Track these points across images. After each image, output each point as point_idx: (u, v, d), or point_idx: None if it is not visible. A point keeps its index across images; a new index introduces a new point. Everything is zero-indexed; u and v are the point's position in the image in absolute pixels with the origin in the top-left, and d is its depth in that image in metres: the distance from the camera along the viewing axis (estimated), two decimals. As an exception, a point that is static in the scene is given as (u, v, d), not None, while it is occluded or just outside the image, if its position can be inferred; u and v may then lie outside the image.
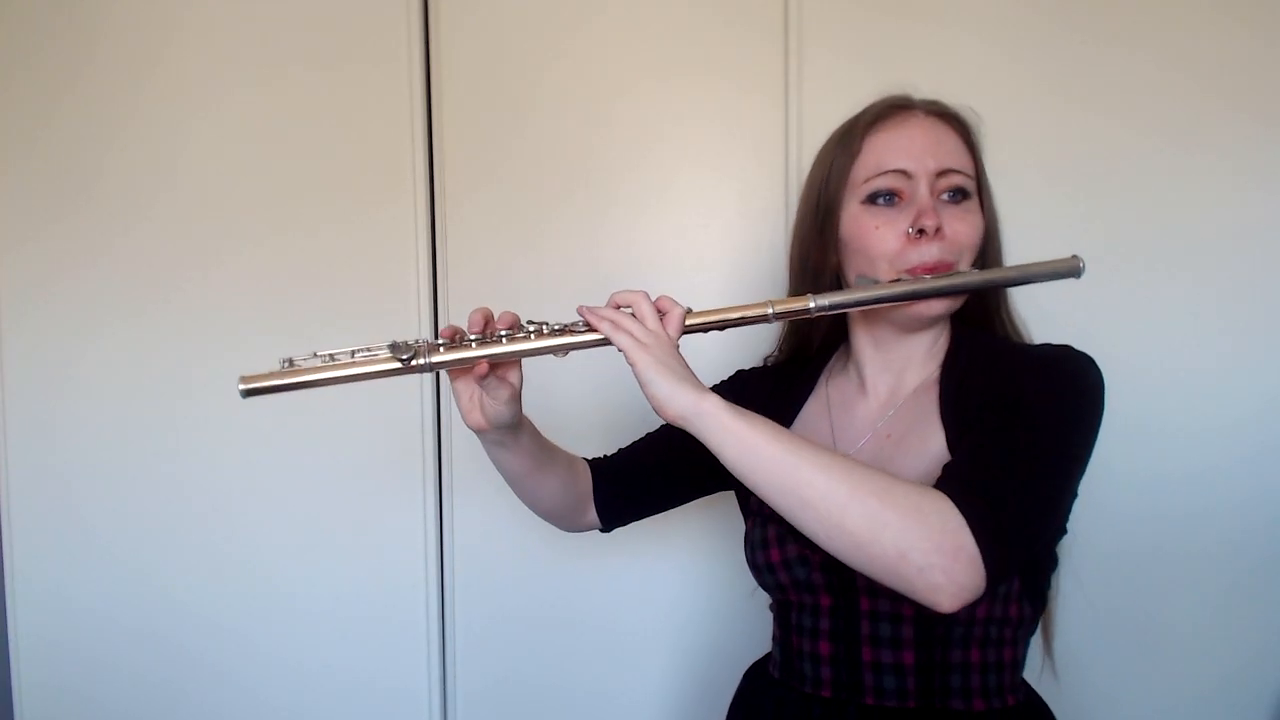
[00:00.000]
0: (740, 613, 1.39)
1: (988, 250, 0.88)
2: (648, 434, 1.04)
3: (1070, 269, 0.82)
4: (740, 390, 1.00)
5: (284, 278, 1.43)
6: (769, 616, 0.97)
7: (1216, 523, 1.28)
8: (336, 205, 1.42)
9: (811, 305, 0.82)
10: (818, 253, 0.90)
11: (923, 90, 0.89)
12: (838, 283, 0.90)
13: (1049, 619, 0.90)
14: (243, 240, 1.44)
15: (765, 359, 1.05)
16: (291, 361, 0.77)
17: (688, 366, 0.78)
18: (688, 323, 0.81)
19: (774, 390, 0.98)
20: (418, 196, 1.41)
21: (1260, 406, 1.26)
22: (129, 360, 1.47)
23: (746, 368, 1.06)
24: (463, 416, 0.84)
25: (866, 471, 0.69)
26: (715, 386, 1.05)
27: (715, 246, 1.36)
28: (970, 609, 0.74)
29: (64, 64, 1.45)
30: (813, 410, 0.96)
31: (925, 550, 0.65)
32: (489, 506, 1.43)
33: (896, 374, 0.90)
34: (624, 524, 1.03)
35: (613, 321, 0.78)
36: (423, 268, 1.42)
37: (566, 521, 1.01)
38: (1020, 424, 0.74)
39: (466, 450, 1.44)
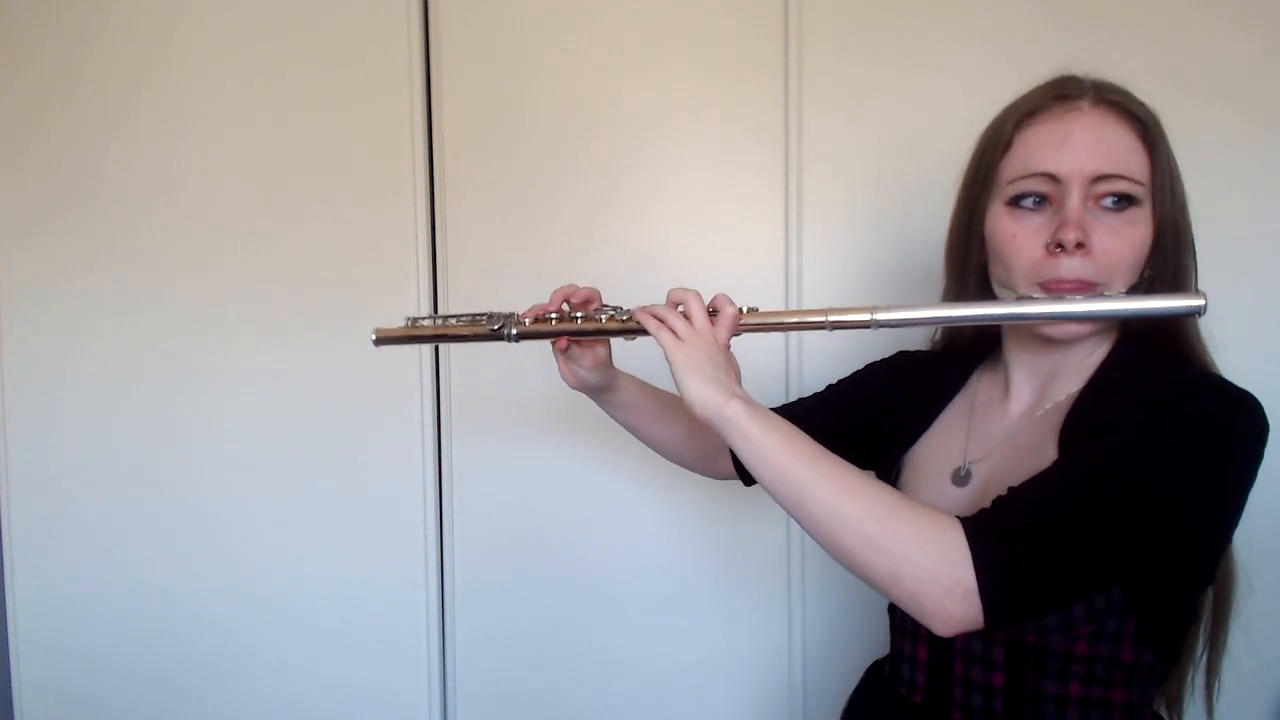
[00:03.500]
0: (749, 620, 1.39)
1: (1161, 268, 0.77)
2: (814, 394, 1.05)
3: (1189, 309, 0.71)
4: (894, 371, 1.00)
5: (284, 276, 1.44)
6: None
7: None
8: (336, 204, 1.42)
9: (870, 318, 0.77)
10: (964, 249, 0.84)
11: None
12: (983, 282, 0.83)
13: (1214, 672, 0.83)
14: (243, 239, 1.44)
15: (932, 341, 1.01)
16: (413, 320, 0.91)
17: (729, 367, 0.78)
18: (742, 323, 0.81)
19: (927, 377, 0.95)
20: (417, 194, 1.41)
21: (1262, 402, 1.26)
22: (128, 359, 1.47)
23: (911, 349, 1.03)
24: (561, 376, 0.95)
25: (876, 492, 0.67)
26: (872, 364, 1.03)
27: (716, 244, 1.36)
28: (1067, 643, 0.72)
29: (64, 63, 1.45)
30: (958, 407, 0.92)
31: (917, 578, 0.64)
32: (490, 513, 1.43)
33: (1042, 385, 0.83)
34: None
35: (658, 319, 0.79)
36: (423, 265, 1.42)
37: (701, 469, 1.08)
38: (1101, 458, 0.67)
39: (467, 457, 1.44)
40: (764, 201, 1.35)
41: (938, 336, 0.98)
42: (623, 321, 0.85)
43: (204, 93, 1.43)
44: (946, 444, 0.89)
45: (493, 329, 0.88)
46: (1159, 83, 1.25)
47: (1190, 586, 0.75)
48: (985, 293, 0.83)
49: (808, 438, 0.72)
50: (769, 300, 1.35)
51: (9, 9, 1.45)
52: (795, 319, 0.82)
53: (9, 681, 1.53)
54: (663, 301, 0.82)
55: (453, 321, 0.90)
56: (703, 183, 1.36)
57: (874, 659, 0.98)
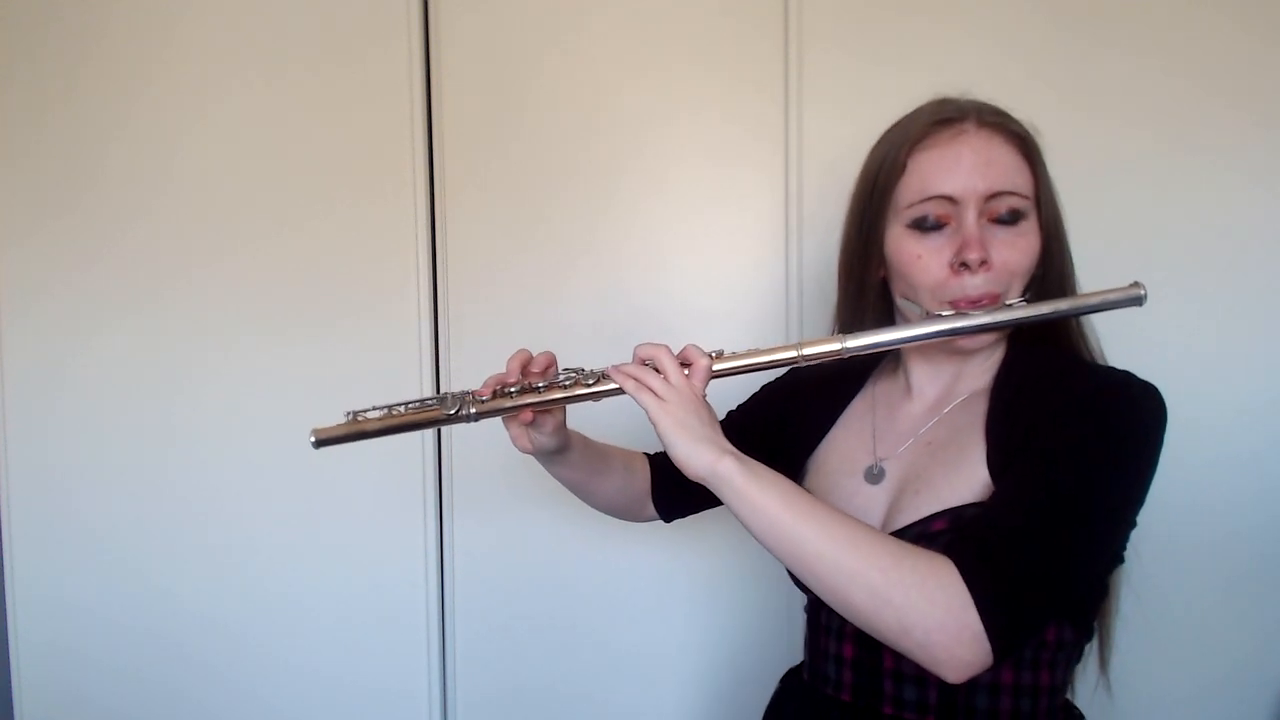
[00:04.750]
0: (747, 617, 1.39)
1: (1048, 270, 0.83)
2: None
3: (1129, 299, 0.76)
4: (792, 386, 1.02)
5: (284, 277, 1.43)
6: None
7: (1218, 518, 1.28)
8: (336, 204, 1.42)
9: (842, 347, 0.79)
10: (861, 266, 0.87)
11: (963, 88, 0.86)
12: (884, 296, 0.88)
13: (1107, 642, 0.88)
14: (242, 239, 1.44)
15: None
16: (356, 415, 0.85)
17: (712, 420, 0.78)
18: (716, 368, 0.80)
19: (821, 388, 0.97)
20: (417, 194, 1.41)
21: (1261, 404, 1.26)
22: (128, 360, 1.46)
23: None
24: (512, 442, 0.89)
25: (875, 543, 0.68)
26: (769, 384, 1.06)
27: (717, 243, 1.36)
28: None
29: (64, 63, 1.45)
30: (857, 410, 0.95)
31: (927, 629, 0.65)
32: (490, 511, 1.43)
33: (946, 382, 0.88)
34: (683, 515, 1.05)
35: (636, 380, 0.78)
36: (423, 265, 1.42)
37: (628, 516, 1.05)
38: (1051, 477, 0.71)
39: (468, 454, 1.44)
40: (764, 201, 1.35)
41: None
42: (590, 385, 0.82)
43: (204, 93, 1.43)
44: (851, 444, 0.92)
45: (449, 413, 0.83)
46: (1159, 83, 1.26)
47: (1108, 567, 0.79)
48: (886, 305, 0.88)
49: (802, 491, 0.73)
50: (771, 300, 1.35)
51: (9, 9, 1.45)
52: (767, 358, 0.81)
53: (9, 681, 1.53)
54: (630, 358, 0.81)
55: (400, 410, 0.84)
56: (703, 183, 1.36)
57: None
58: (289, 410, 1.45)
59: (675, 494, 1.02)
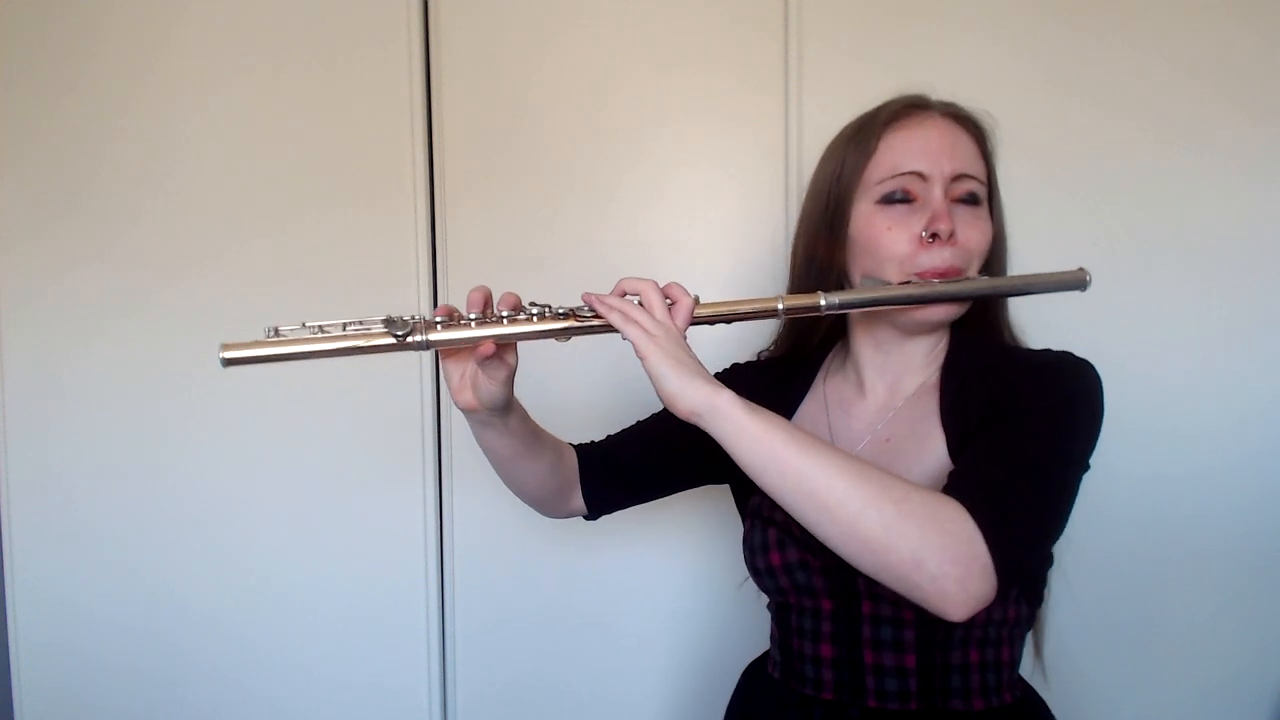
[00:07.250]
0: (742, 611, 1.39)
1: (995, 257, 0.88)
2: (638, 422, 1.03)
3: (1076, 281, 0.83)
4: (735, 384, 1.00)
5: (284, 275, 1.43)
6: (769, 614, 0.97)
7: (1217, 525, 1.28)
8: (337, 202, 1.42)
9: (822, 303, 0.80)
10: (825, 249, 0.89)
11: (931, 87, 0.88)
12: (843, 281, 0.89)
13: (1040, 621, 0.90)
14: (243, 238, 1.44)
15: (759, 354, 1.04)
16: (277, 330, 0.73)
17: (697, 359, 0.76)
18: (695, 314, 0.78)
19: (769, 386, 0.97)
20: (418, 192, 1.41)
21: (1261, 408, 1.26)
22: (128, 360, 1.46)
23: (742, 361, 1.05)
24: (452, 395, 0.82)
25: (883, 476, 0.68)
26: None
27: (716, 242, 1.36)
28: None
29: (64, 63, 1.45)
30: (810, 409, 0.96)
31: (940, 560, 0.65)
32: (489, 506, 1.43)
33: (895, 376, 0.90)
34: (610, 512, 1.02)
35: (622, 312, 0.75)
36: (423, 264, 1.42)
37: (549, 508, 0.99)
38: (1022, 433, 0.74)
39: (467, 450, 1.44)
40: (764, 201, 1.35)
41: (772, 347, 1.03)
42: (562, 317, 0.75)
43: (204, 92, 1.43)
44: None
45: (397, 335, 0.72)
46: (1159, 82, 1.26)
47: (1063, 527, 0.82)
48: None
49: (800, 427, 0.73)
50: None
51: (9, 9, 1.45)
52: (748, 308, 0.80)
53: (9, 681, 1.53)
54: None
55: (334, 329, 0.73)
56: (703, 182, 1.36)
57: None
58: (289, 410, 1.45)
59: (606, 486, 0.99)
